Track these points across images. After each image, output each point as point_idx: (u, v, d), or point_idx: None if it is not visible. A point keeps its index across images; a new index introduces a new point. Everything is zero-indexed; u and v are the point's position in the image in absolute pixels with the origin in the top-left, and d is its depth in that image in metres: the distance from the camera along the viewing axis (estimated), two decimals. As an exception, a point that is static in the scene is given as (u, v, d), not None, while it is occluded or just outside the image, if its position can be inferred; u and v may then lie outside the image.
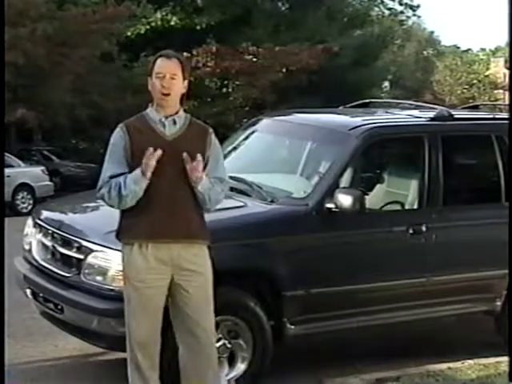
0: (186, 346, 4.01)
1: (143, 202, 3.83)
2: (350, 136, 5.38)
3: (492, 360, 5.39)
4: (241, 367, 4.82)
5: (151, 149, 3.73)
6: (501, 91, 45.69)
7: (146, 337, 3.94)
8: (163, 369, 4.11)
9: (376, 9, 39.21)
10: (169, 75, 3.86)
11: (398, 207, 5.76)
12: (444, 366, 5.39)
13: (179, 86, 3.91)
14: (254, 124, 6.47)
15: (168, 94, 3.86)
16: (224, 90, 26.45)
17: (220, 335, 4.69)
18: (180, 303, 3.93)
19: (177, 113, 3.94)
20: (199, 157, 3.79)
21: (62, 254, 4.94)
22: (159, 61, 3.91)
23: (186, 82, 3.96)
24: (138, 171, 3.77)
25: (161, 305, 3.93)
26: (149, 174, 3.76)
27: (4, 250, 5.00)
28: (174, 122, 3.92)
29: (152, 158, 3.73)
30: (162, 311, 3.94)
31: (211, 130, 4.05)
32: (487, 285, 5.63)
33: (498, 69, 49.44)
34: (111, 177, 3.85)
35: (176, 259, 3.88)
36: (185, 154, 3.78)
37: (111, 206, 3.94)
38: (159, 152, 3.74)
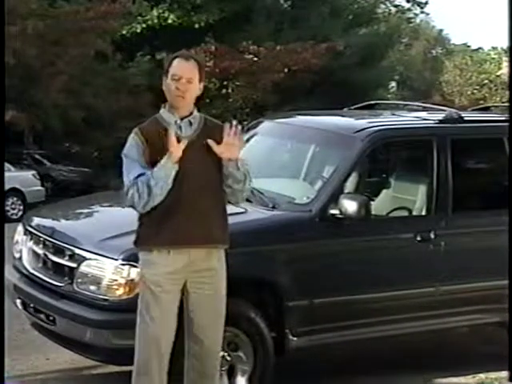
0: (193, 356, 4.06)
1: (164, 208, 3.86)
2: (355, 139, 5.39)
3: (504, 374, 5.39)
4: (241, 381, 4.82)
5: (173, 138, 3.77)
6: (513, 92, 45.51)
7: (163, 343, 3.96)
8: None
9: (382, 6, 39.27)
10: (185, 79, 3.89)
11: (405, 213, 5.76)
12: (454, 379, 5.40)
13: (195, 89, 3.96)
14: (254, 127, 6.48)
15: (183, 97, 3.90)
16: (223, 90, 26.48)
17: (219, 347, 4.70)
18: (189, 309, 3.99)
19: (191, 113, 3.98)
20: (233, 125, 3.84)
21: (53, 263, 4.95)
22: (176, 62, 3.93)
23: (202, 84, 4.01)
24: (164, 159, 3.79)
25: (176, 311, 3.98)
26: (175, 160, 3.79)
27: (4, 254, 5.01)
28: (190, 124, 3.97)
29: (178, 146, 3.77)
30: (176, 318, 3.98)
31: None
32: (499, 295, 5.61)
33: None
34: (136, 178, 3.85)
35: (194, 265, 3.94)
36: (210, 141, 3.85)
37: (140, 208, 3.86)
38: (183, 144, 3.80)
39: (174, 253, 3.90)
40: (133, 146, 3.91)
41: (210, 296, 4.02)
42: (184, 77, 3.88)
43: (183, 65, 3.92)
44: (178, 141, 3.80)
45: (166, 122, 3.93)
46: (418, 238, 5.39)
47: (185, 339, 4.07)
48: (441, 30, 58.03)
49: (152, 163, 3.85)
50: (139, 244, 4.00)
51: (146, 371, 3.97)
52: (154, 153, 3.85)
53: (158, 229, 3.89)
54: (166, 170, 3.81)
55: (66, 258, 4.81)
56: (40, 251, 5.11)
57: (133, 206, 3.92)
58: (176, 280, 3.93)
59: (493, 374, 5.49)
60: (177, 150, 3.79)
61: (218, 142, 3.90)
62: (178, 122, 3.94)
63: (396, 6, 40.60)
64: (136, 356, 4.01)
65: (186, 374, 4.12)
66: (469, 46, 56.56)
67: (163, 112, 3.99)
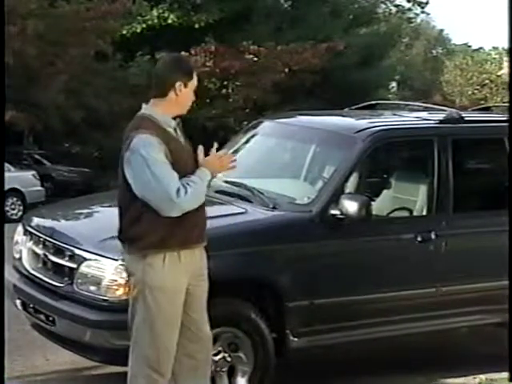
0: (185, 355, 4.04)
1: None
2: (356, 139, 5.39)
3: (504, 375, 5.38)
4: (241, 381, 4.82)
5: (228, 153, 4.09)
6: (514, 92, 45.42)
7: (174, 347, 3.97)
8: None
9: (383, 6, 39.29)
10: None
11: (405, 214, 5.76)
12: (455, 380, 5.39)
13: None
14: (255, 127, 6.48)
15: None
16: (224, 90, 26.47)
17: (220, 348, 4.70)
18: (189, 307, 3.99)
19: None
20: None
21: (53, 263, 4.94)
22: (194, 72, 4.02)
23: None
24: (207, 172, 3.90)
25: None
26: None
27: (4, 254, 4.98)
28: (178, 125, 4.01)
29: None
30: None
31: None
32: (500, 295, 5.61)
33: (511, 68, 49.23)
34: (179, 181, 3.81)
35: (198, 262, 4.00)
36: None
37: (178, 212, 3.78)
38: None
39: (184, 254, 3.90)
40: (159, 148, 3.79)
41: (205, 292, 4.08)
42: None
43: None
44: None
45: (166, 124, 3.93)
46: (419, 239, 5.38)
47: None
48: (441, 30, 58.10)
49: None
50: (149, 248, 3.88)
51: (159, 377, 3.95)
52: (174, 158, 3.83)
53: (173, 231, 3.85)
54: (208, 181, 3.92)
55: (66, 258, 4.81)
56: (40, 251, 5.11)
57: (160, 207, 3.79)
58: (184, 282, 3.95)
59: (493, 375, 5.48)
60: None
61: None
62: (173, 124, 3.97)
63: (396, 6, 40.60)
64: (141, 363, 3.94)
65: (179, 374, 4.08)
66: (469, 46, 56.62)
67: (154, 113, 3.93)
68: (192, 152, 4.01)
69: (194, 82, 4.00)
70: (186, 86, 3.94)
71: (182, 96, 3.95)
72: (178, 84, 3.91)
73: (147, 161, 3.77)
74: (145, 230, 3.89)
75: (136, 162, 3.80)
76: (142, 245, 3.91)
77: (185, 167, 3.88)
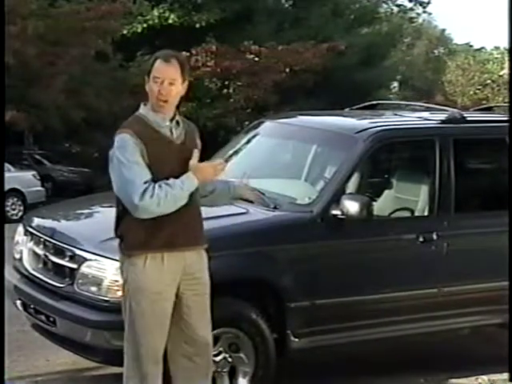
0: (184, 356, 4.03)
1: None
2: (357, 139, 5.39)
3: (505, 376, 5.39)
4: (242, 382, 4.82)
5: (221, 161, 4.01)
6: (516, 92, 45.37)
7: (160, 350, 3.95)
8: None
9: (384, 5, 39.33)
10: (167, 81, 3.82)
11: (407, 214, 5.77)
12: (457, 381, 5.39)
13: (178, 91, 3.88)
14: (256, 127, 6.48)
15: (166, 101, 3.84)
16: (225, 90, 26.48)
17: (220, 348, 4.71)
18: (183, 311, 3.96)
19: (175, 114, 3.94)
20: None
21: (54, 263, 4.95)
22: (157, 64, 3.84)
23: (186, 83, 3.93)
24: (194, 179, 3.81)
25: (170, 315, 3.95)
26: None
27: (4, 255, 4.98)
28: (178, 125, 3.94)
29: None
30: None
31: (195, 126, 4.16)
32: (501, 296, 5.61)
33: (513, 68, 49.11)
34: (146, 182, 3.74)
35: (188, 267, 3.93)
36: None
37: (149, 214, 3.74)
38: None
39: (168, 257, 3.85)
40: (133, 147, 3.76)
41: (202, 296, 4.03)
42: (166, 79, 3.81)
43: (164, 67, 3.82)
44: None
45: (157, 124, 3.88)
46: (420, 239, 5.39)
47: (170, 343, 4.01)
48: (443, 30, 58.03)
49: (150, 169, 3.78)
50: (131, 249, 3.87)
51: (145, 377, 3.94)
52: (153, 158, 3.78)
53: (153, 233, 3.82)
54: (192, 188, 3.82)
55: (67, 258, 4.81)
56: (40, 252, 5.12)
57: (128, 209, 3.79)
58: (174, 285, 3.91)
59: (494, 376, 5.49)
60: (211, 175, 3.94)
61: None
62: (168, 123, 3.89)
63: (398, 6, 40.64)
64: (131, 364, 3.94)
65: (178, 376, 4.08)
66: (471, 46, 56.51)
67: (147, 112, 3.91)
68: (189, 155, 3.90)
69: (153, 75, 3.83)
70: (149, 77, 3.87)
71: (148, 90, 3.88)
72: (146, 78, 3.90)
73: (119, 161, 3.78)
74: (126, 230, 3.90)
75: (112, 162, 3.85)
76: (124, 245, 3.93)
77: (169, 169, 3.81)
